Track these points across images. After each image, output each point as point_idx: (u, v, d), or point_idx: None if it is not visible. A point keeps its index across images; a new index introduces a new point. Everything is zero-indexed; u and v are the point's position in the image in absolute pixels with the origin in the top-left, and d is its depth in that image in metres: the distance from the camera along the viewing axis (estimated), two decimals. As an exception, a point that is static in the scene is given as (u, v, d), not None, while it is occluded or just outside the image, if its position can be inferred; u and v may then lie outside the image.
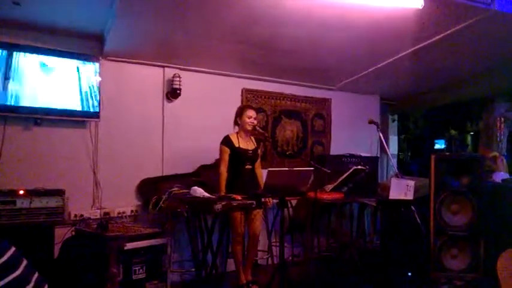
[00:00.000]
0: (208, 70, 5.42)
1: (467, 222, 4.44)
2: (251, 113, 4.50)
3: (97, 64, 4.53)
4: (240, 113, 4.55)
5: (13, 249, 1.00)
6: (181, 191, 4.13)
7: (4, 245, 0.99)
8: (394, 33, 4.26)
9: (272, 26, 4.09)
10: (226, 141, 4.46)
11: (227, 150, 4.43)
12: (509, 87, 5.55)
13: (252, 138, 4.64)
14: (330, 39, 4.44)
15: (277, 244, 4.94)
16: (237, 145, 4.45)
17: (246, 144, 4.52)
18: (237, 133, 4.55)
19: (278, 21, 3.97)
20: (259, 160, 4.69)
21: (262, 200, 4.22)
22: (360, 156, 5.88)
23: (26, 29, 4.23)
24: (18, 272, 0.97)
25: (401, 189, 4.25)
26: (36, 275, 1.05)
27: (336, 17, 3.90)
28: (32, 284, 1.01)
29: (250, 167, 4.51)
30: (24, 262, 1.03)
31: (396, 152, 7.98)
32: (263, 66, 5.41)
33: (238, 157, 4.45)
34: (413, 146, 10.56)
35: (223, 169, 4.42)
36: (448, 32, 4.19)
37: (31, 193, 3.84)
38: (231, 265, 4.83)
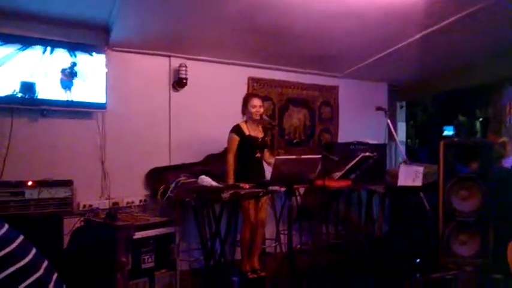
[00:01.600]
0: (214, 59, 5.40)
1: (476, 208, 4.41)
2: (255, 101, 4.50)
3: (103, 55, 4.53)
4: (245, 102, 4.56)
5: (21, 237, 1.00)
6: (188, 180, 4.14)
7: (13, 233, 0.98)
8: (401, 18, 4.21)
9: (278, 13, 4.06)
10: (237, 129, 4.49)
11: (236, 139, 4.47)
12: (518, 71, 5.48)
13: (260, 126, 4.64)
14: (336, 25, 4.40)
15: (286, 232, 4.94)
16: (247, 133, 4.47)
17: (256, 132, 4.53)
18: (246, 122, 4.56)
19: (284, 8, 3.94)
20: (269, 146, 4.70)
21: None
22: (368, 144, 5.85)
23: (29, 20, 4.22)
24: (27, 260, 0.97)
25: (410, 176, 4.23)
26: (45, 263, 1.05)
27: (343, 3, 3.86)
28: (41, 271, 1.00)
29: (259, 155, 4.52)
30: (34, 250, 1.03)
31: (404, 139, 7.93)
32: (269, 54, 5.38)
33: (248, 145, 4.47)
34: (422, 132, 10.50)
35: (231, 158, 4.46)
36: (457, 16, 4.14)
37: (39, 184, 3.86)
38: (239, 253, 4.84)
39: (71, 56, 4.35)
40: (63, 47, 4.32)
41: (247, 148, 4.48)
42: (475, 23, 4.36)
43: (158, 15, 4.09)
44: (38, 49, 4.19)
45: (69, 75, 4.34)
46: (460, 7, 4.00)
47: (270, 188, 4.12)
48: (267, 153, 4.69)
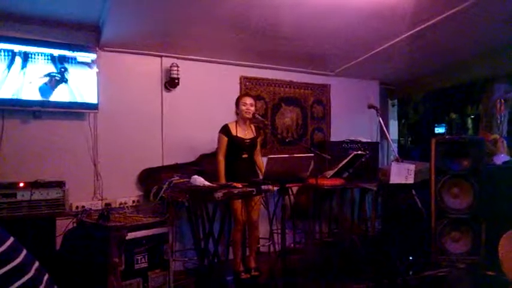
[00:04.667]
0: (206, 59, 5.39)
1: (468, 205, 4.44)
2: (246, 100, 4.53)
3: (94, 55, 4.51)
4: (237, 102, 4.59)
5: (12, 238, 1.00)
6: (181, 180, 4.13)
7: (3, 235, 0.98)
8: (391, 16, 4.22)
9: (269, 12, 4.06)
10: (224, 129, 4.54)
11: (225, 139, 4.52)
12: (509, 68, 5.50)
13: (252, 127, 4.65)
14: (327, 24, 4.41)
15: (279, 231, 4.95)
16: (234, 133, 4.51)
17: (244, 133, 4.55)
18: (236, 122, 4.57)
19: (275, 7, 3.94)
20: (258, 148, 4.70)
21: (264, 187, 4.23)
22: (360, 142, 5.87)
23: (19, 21, 4.20)
24: (17, 261, 0.96)
25: (402, 173, 4.24)
26: (36, 264, 1.05)
27: (334, 1, 3.87)
28: (32, 273, 1.00)
29: (246, 155, 4.55)
30: (24, 252, 1.02)
31: (397, 137, 7.97)
32: (261, 53, 5.38)
33: (235, 146, 4.50)
34: (414, 131, 10.55)
35: (221, 157, 4.52)
36: (447, 13, 4.15)
37: (31, 185, 3.83)
38: (232, 253, 4.85)
39: (63, 56, 4.33)
40: (55, 47, 4.30)
41: (234, 149, 4.52)
42: (464, 20, 4.38)
43: (149, 15, 4.07)
44: (27, 49, 4.17)
45: (61, 76, 4.32)
46: (449, 4, 4.01)
47: (263, 187, 4.12)
48: (256, 152, 4.70)
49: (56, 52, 4.33)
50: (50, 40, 4.32)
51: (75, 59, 4.41)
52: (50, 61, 4.29)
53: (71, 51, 4.39)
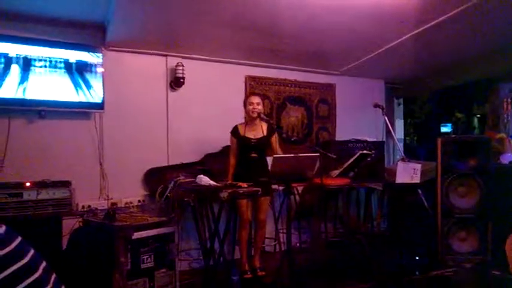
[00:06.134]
0: (212, 58, 5.39)
1: (474, 205, 4.42)
2: (253, 99, 4.52)
3: (100, 54, 4.52)
4: (245, 102, 4.59)
5: (19, 238, 1.00)
6: (187, 180, 4.13)
7: (11, 235, 0.98)
8: (397, 15, 4.21)
9: (274, 11, 4.05)
10: (233, 130, 4.58)
11: (234, 140, 4.58)
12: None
13: (263, 126, 4.59)
14: (332, 23, 4.40)
15: (285, 231, 4.94)
16: (242, 134, 4.52)
17: (253, 132, 4.54)
18: (246, 122, 4.58)
19: (280, 5, 3.93)
20: (274, 147, 4.61)
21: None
22: (366, 141, 5.85)
23: (25, 21, 4.21)
24: (25, 260, 0.97)
25: (408, 173, 4.23)
26: (44, 263, 1.05)
27: (338, 1, 3.86)
28: (39, 272, 1.00)
29: (255, 155, 4.51)
30: (32, 251, 1.02)
31: (402, 136, 7.94)
32: (266, 52, 5.37)
33: (243, 146, 4.51)
34: (420, 129, 10.51)
35: (231, 158, 4.58)
36: (453, 12, 4.14)
37: (38, 185, 3.84)
38: (238, 253, 4.85)
39: (69, 55, 4.34)
40: (60, 47, 4.31)
41: (242, 149, 4.54)
42: (470, 19, 4.36)
43: (154, 15, 4.08)
44: (34, 49, 4.18)
45: (67, 75, 4.34)
46: (455, 4, 4.00)
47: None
48: (269, 153, 4.63)
49: (73, 56, 4.34)
50: (57, 39, 4.33)
51: (81, 57, 4.41)
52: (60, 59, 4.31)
53: (77, 50, 4.39)
